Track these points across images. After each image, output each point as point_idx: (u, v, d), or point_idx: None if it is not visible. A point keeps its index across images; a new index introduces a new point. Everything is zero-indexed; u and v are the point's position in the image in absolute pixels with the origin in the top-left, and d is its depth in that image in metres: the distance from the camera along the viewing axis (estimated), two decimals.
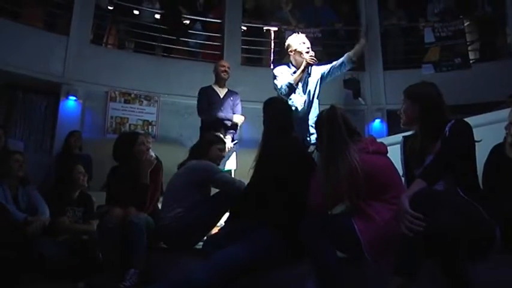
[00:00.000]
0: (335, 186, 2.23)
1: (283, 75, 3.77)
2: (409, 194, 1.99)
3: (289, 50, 3.89)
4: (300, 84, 3.79)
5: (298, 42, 3.84)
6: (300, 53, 3.78)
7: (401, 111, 2.42)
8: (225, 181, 3.10)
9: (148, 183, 3.31)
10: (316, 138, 2.54)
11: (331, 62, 3.91)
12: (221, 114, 4.71)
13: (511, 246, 2.13)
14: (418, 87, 2.40)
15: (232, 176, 4.15)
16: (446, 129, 2.21)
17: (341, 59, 3.85)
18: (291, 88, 3.70)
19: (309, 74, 3.84)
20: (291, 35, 4.02)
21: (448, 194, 2.11)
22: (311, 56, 3.71)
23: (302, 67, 3.72)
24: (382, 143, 2.43)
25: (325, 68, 3.89)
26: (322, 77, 3.89)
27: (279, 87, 3.73)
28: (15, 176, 3.65)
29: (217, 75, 4.87)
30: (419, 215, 1.88)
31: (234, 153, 4.57)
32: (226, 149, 4.33)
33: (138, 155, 3.35)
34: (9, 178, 3.63)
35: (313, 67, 3.84)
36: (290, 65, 3.88)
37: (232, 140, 4.64)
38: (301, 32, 4.25)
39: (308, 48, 3.79)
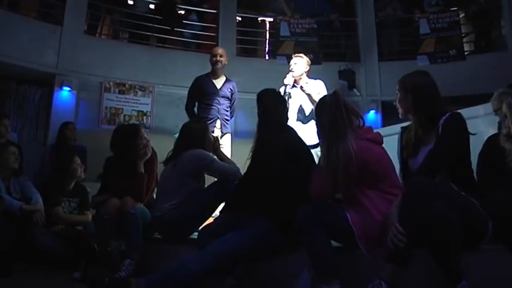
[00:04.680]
0: (335, 173, 2.22)
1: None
2: (399, 204, 2.05)
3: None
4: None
5: None
6: None
7: (396, 102, 2.42)
8: (221, 168, 3.10)
9: (143, 172, 3.32)
10: (316, 124, 2.51)
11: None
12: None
13: (503, 238, 2.15)
14: (411, 76, 2.40)
15: None
16: (440, 122, 2.21)
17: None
18: None
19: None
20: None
21: (444, 185, 2.12)
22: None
23: None
24: (378, 133, 2.43)
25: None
26: None
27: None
28: (10, 168, 3.66)
29: (211, 65, 4.70)
30: (402, 231, 1.95)
31: (229, 144, 4.48)
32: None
33: (138, 148, 3.36)
34: (4, 170, 3.63)
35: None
36: None
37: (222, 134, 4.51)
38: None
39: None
